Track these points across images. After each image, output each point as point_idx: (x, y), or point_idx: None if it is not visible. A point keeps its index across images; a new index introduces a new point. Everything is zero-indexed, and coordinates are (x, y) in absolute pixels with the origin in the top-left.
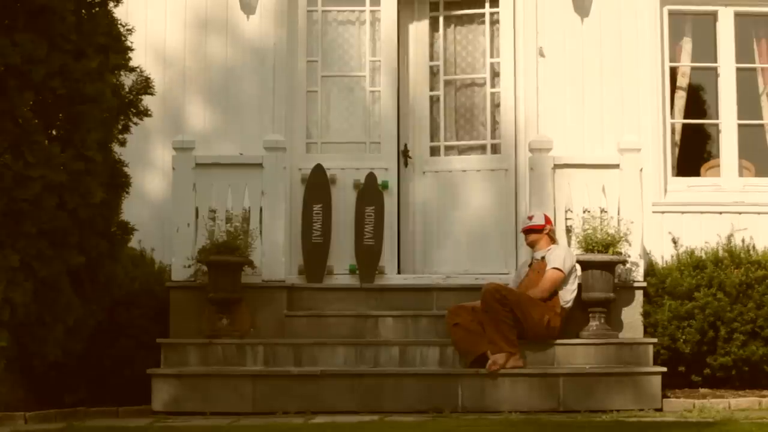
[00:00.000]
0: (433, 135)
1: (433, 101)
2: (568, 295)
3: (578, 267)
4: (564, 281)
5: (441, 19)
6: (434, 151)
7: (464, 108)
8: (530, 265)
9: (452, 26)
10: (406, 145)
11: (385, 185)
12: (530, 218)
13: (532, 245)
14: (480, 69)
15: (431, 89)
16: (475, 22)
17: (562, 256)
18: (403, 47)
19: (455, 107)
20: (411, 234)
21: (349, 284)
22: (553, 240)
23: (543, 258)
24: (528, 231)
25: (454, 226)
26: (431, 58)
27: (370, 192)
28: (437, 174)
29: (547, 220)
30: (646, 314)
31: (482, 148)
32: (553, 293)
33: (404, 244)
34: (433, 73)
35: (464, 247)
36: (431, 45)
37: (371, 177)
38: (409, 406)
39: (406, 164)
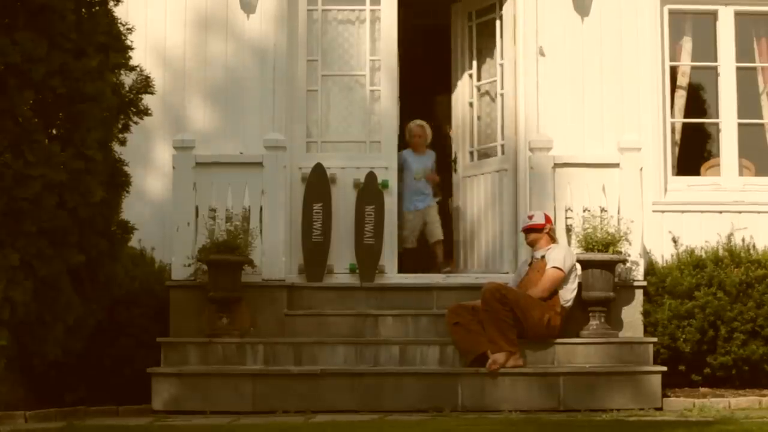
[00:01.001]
0: (473, 141)
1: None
2: (568, 294)
3: (578, 266)
4: (564, 280)
5: None
6: (469, 157)
7: (489, 107)
8: (530, 264)
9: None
10: (454, 153)
11: (385, 184)
12: (530, 217)
13: (532, 244)
14: (493, 72)
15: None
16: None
17: (562, 255)
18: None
19: (481, 108)
20: None
21: (349, 283)
22: (553, 239)
23: (543, 257)
24: (528, 230)
25: (468, 225)
26: None
27: (370, 191)
28: (469, 177)
29: (548, 219)
30: (646, 313)
31: (494, 151)
32: (553, 292)
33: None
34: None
35: (462, 248)
36: None
37: (371, 176)
38: (409, 405)
39: (455, 171)
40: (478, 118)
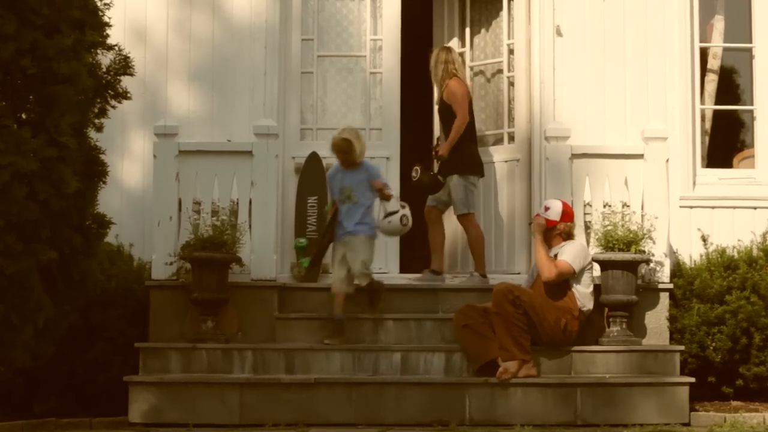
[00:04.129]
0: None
1: None
2: (585, 299)
3: (597, 267)
4: (577, 280)
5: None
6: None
7: (491, 95)
8: None
9: (466, 7)
10: (437, 139)
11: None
12: (546, 209)
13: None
14: (498, 53)
15: None
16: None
17: (572, 253)
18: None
19: (481, 94)
20: None
21: None
22: (567, 238)
23: (555, 256)
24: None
25: (456, 223)
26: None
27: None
28: None
29: (566, 216)
30: (672, 319)
31: (500, 139)
32: (564, 291)
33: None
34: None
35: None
36: None
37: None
38: (411, 417)
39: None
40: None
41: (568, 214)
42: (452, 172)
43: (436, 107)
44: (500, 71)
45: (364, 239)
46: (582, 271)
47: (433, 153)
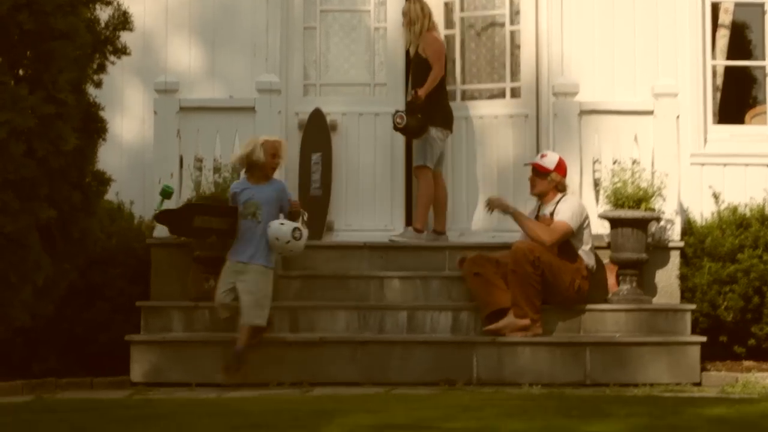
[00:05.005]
0: (446, 78)
1: (449, 41)
2: (587, 256)
3: (607, 224)
4: (575, 238)
5: None
6: (449, 96)
7: (485, 48)
8: (536, 218)
9: None
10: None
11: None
12: (543, 156)
13: (538, 195)
14: (499, 4)
15: (446, 27)
16: None
17: (569, 211)
18: None
19: (472, 47)
20: None
21: (351, 241)
22: (560, 191)
23: (551, 214)
24: (533, 169)
25: (468, 179)
26: None
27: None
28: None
29: (560, 168)
30: (683, 278)
31: (501, 92)
32: (572, 251)
33: (412, 197)
34: (449, 9)
35: (480, 201)
36: None
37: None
38: (418, 377)
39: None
40: (462, 54)
41: (562, 168)
42: (426, 119)
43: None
44: (500, 24)
45: (262, 270)
46: (580, 228)
47: (410, 96)
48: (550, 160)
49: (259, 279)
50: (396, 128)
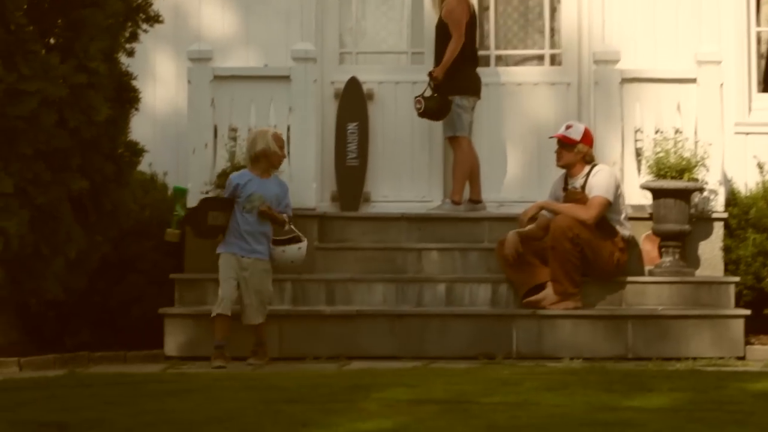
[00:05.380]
0: (481, 43)
1: (482, 4)
2: (621, 225)
3: (649, 195)
4: (612, 210)
5: None
6: (483, 61)
7: (518, 13)
8: (565, 190)
9: None
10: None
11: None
12: (568, 127)
13: (565, 167)
14: None
15: None
16: None
17: (603, 184)
18: None
19: (507, 12)
20: None
21: (388, 213)
22: (588, 163)
23: (582, 187)
24: (558, 141)
25: (507, 148)
26: None
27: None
28: (487, 87)
29: (587, 139)
30: (726, 249)
31: (539, 59)
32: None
33: (449, 167)
34: None
35: (519, 171)
36: None
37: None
38: (456, 351)
39: None
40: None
41: (588, 138)
42: (448, 93)
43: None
44: None
45: (266, 268)
46: (615, 199)
47: (428, 76)
48: (575, 131)
49: (263, 277)
50: (419, 115)
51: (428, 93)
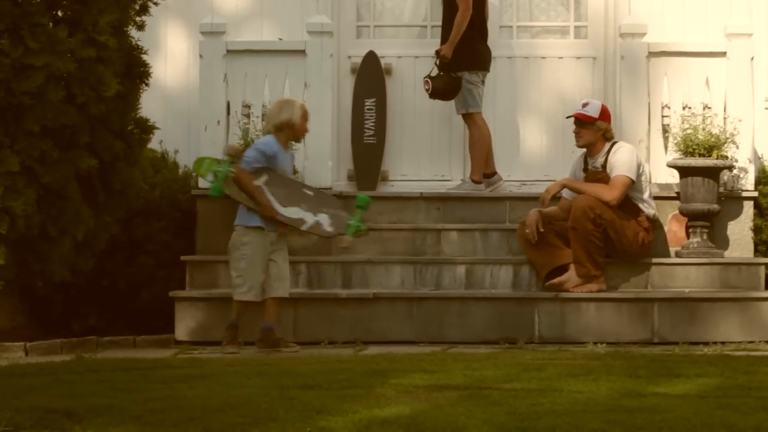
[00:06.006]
0: (503, 14)
1: None
2: (645, 204)
3: (676, 173)
4: (635, 189)
5: None
6: (504, 34)
7: None
8: (585, 170)
9: None
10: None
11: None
12: (584, 105)
13: (585, 146)
14: None
15: None
16: None
17: (625, 163)
18: None
19: None
20: None
21: (406, 192)
22: (608, 140)
23: (603, 166)
24: (576, 119)
25: (530, 125)
26: None
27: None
28: (510, 60)
29: (605, 115)
30: (756, 229)
31: (563, 32)
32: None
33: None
34: None
35: (542, 149)
36: None
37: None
38: (476, 335)
39: None
40: None
41: (607, 114)
42: (456, 69)
43: None
44: None
45: (287, 238)
46: (637, 177)
47: (435, 54)
48: (593, 108)
49: (286, 248)
50: (430, 96)
51: (435, 72)
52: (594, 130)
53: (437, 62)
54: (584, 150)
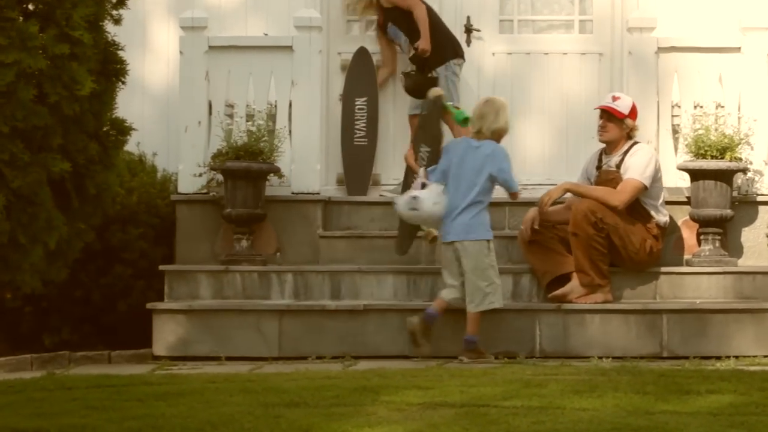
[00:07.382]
0: (503, 7)
1: None
2: (658, 211)
3: (687, 176)
4: (647, 194)
5: None
6: (505, 28)
7: None
8: (598, 168)
9: None
10: (468, 19)
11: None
12: (615, 99)
13: (607, 142)
14: None
15: None
16: None
17: (640, 166)
18: None
19: None
20: None
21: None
22: (628, 139)
23: (617, 166)
24: (604, 112)
25: (531, 124)
26: None
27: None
28: (510, 57)
29: (633, 113)
30: None
31: (567, 26)
32: (639, 209)
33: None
34: None
35: (544, 150)
36: None
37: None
38: None
39: (469, 43)
40: None
41: (635, 112)
42: (436, 64)
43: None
44: None
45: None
46: (653, 183)
47: (414, 52)
48: (624, 104)
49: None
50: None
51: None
52: (622, 126)
53: (412, 59)
54: (601, 146)
